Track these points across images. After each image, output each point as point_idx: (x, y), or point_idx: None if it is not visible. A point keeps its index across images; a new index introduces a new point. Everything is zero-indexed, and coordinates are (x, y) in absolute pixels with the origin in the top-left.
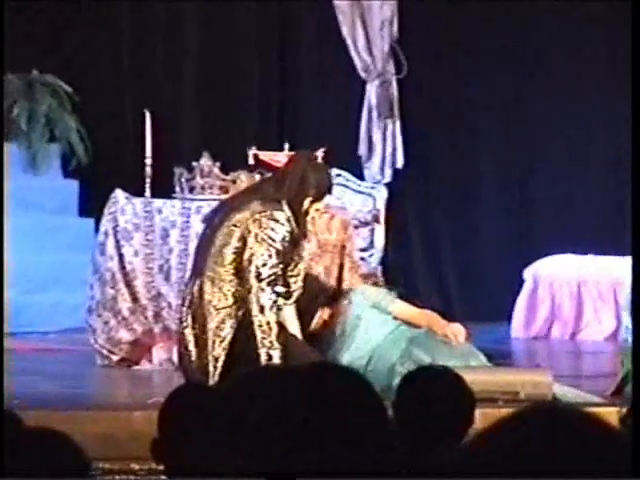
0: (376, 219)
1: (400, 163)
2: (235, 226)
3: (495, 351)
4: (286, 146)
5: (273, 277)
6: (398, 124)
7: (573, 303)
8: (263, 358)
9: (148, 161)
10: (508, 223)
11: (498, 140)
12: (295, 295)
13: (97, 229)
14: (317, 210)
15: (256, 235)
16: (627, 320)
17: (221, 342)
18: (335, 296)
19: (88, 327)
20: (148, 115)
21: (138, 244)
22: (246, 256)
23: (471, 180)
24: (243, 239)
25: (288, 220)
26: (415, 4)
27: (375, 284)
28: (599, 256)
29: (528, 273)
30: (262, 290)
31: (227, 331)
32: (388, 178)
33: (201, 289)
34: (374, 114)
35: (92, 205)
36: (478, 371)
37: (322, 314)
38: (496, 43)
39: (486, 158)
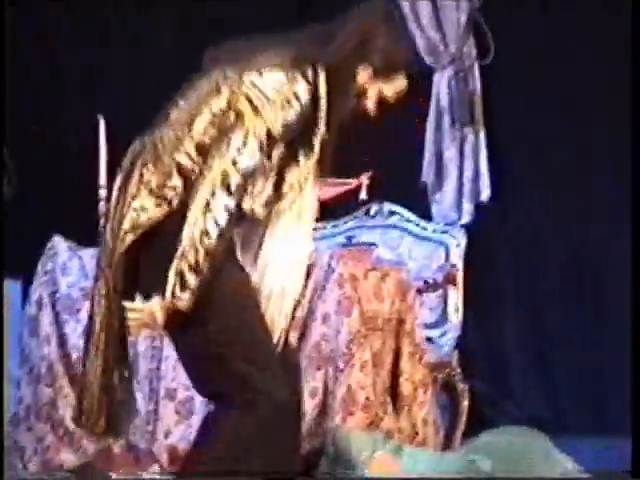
0: (450, 279)
1: (486, 194)
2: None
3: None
4: None
5: (242, 179)
6: (482, 135)
7: None
8: (170, 277)
9: (102, 192)
10: None
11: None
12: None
13: (26, 297)
14: (381, 97)
15: (247, 100)
16: None
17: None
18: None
19: (13, 445)
20: (102, 124)
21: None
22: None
23: (595, 219)
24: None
25: (311, 95)
26: None
27: (448, 380)
28: None
29: None
30: (213, 195)
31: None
32: (468, 217)
33: None
34: (445, 120)
35: (18, 260)
36: None
37: None
38: None
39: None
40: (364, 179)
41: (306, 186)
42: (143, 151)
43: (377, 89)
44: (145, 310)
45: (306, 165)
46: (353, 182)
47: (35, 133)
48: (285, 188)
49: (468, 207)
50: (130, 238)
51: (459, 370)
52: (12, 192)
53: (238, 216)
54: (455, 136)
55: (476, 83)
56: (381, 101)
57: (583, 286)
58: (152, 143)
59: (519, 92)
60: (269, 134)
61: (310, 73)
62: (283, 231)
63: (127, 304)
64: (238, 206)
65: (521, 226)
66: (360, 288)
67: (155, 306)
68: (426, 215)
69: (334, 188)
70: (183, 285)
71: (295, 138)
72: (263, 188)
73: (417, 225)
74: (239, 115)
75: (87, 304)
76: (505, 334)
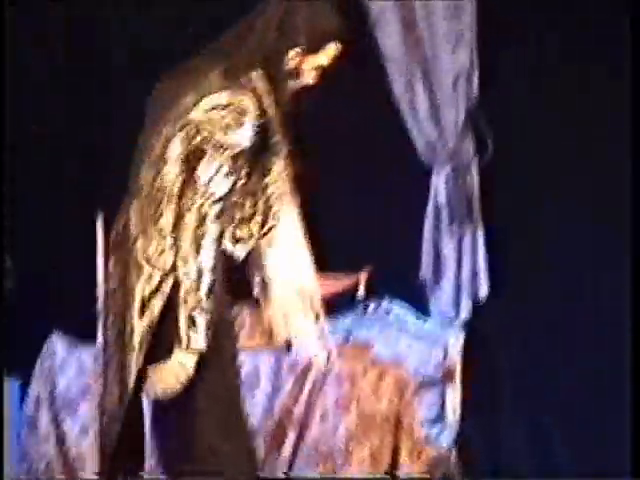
0: (449, 376)
1: (484, 291)
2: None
3: None
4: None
5: (221, 204)
6: (480, 232)
7: None
8: (182, 323)
9: (101, 288)
10: None
11: None
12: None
13: (24, 395)
14: (317, 69)
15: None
16: None
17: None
18: None
19: None
20: (100, 220)
21: (88, 417)
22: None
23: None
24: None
25: (257, 99)
26: (505, 45)
27: (447, 477)
28: None
29: None
30: (201, 225)
31: (157, 302)
32: (466, 314)
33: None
34: (444, 217)
35: (16, 358)
36: None
37: None
38: None
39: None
40: (362, 276)
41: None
42: (129, 225)
43: (312, 64)
44: (173, 364)
45: (280, 176)
46: (351, 279)
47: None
48: (270, 220)
49: (466, 304)
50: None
51: (458, 467)
52: (12, 282)
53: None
54: (453, 233)
55: (474, 181)
56: (320, 71)
57: (584, 382)
58: (136, 214)
59: (518, 189)
60: (234, 156)
61: (246, 80)
62: (280, 247)
63: (153, 368)
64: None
65: (519, 323)
66: (358, 386)
67: (179, 356)
68: (424, 311)
69: (332, 285)
70: (194, 327)
71: (259, 149)
72: (246, 216)
73: (415, 322)
74: (198, 150)
75: (85, 404)
76: (504, 431)
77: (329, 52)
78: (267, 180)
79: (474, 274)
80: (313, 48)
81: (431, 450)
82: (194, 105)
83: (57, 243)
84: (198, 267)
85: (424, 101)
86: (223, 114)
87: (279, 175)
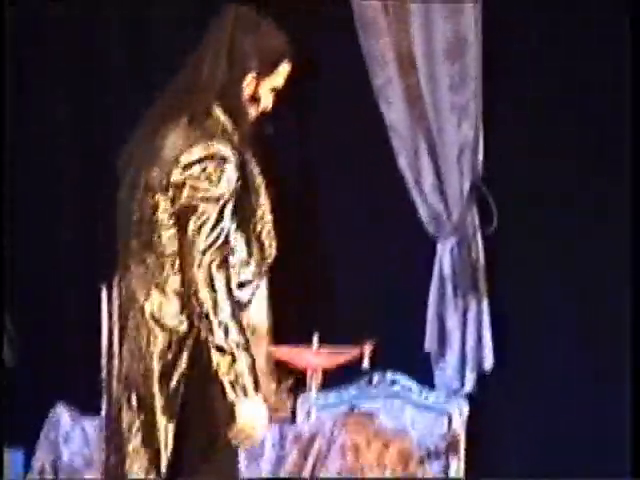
0: (453, 448)
1: (489, 364)
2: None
3: None
4: (315, 338)
5: (221, 253)
6: (486, 304)
7: None
8: (228, 390)
9: (104, 360)
10: None
11: None
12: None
13: (28, 464)
14: (273, 91)
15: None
16: None
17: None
18: None
19: None
20: (105, 293)
21: None
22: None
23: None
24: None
25: (227, 139)
26: (509, 116)
27: None
28: None
29: None
30: (210, 280)
31: (183, 360)
32: (470, 386)
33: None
34: (448, 289)
35: (20, 429)
36: None
37: None
38: None
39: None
40: (366, 348)
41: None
42: (133, 292)
43: (268, 86)
44: (247, 417)
45: (266, 211)
46: (356, 350)
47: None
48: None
49: (471, 376)
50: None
51: None
52: (14, 358)
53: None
54: (458, 305)
55: (479, 252)
56: (276, 92)
57: (590, 445)
58: (138, 280)
59: (522, 262)
60: (224, 204)
61: (213, 122)
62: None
63: (231, 432)
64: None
65: (524, 395)
66: (362, 457)
67: (248, 407)
68: (429, 383)
69: (337, 357)
70: (241, 378)
71: (242, 189)
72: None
73: (420, 394)
74: (187, 208)
75: (89, 473)
76: None
77: (282, 72)
78: (255, 219)
79: (479, 346)
80: (266, 70)
81: None
82: (173, 166)
83: (60, 312)
84: (220, 321)
85: (429, 173)
86: (204, 166)
87: (264, 210)
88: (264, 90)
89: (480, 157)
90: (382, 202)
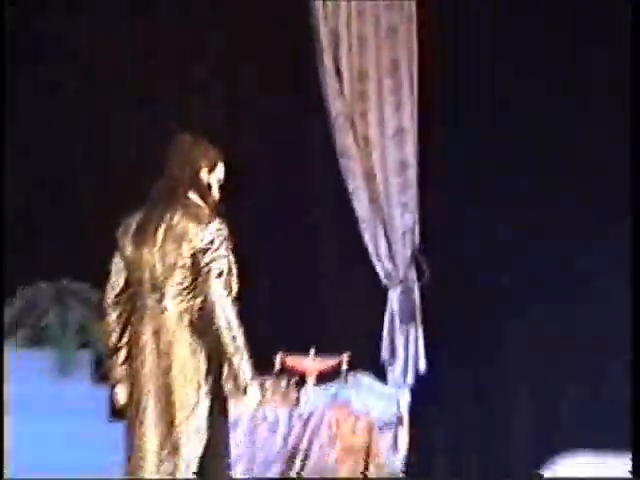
0: (400, 422)
1: (422, 367)
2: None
3: None
4: (312, 351)
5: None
6: (420, 329)
7: None
8: (240, 378)
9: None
10: (532, 422)
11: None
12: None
13: None
14: (219, 182)
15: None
16: None
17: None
18: None
19: None
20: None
21: None
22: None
23: (493, 382)
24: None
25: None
26: (437, 212)
27: None
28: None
29: (547, 474)
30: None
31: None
32: (410, 381)
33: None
34: (396, 320)
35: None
36: None
37: None
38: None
39: (511, 363)
40: (344, 357)
41: None
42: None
43: (215, 179)
44: (250, 396)
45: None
46: (337, 360)
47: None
48: None
49: (411, 376)
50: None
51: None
52: None
53: None
54: (402, 330)
55: (416, 296)
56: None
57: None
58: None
59: (445, 300)
60: (229, 259)
61: (191, 203)
62: None
63: (237, 402)
64: None
65: (446, 387)
66: (341, 428)
67: (251, 391)
68: (384, 380)
69: (325, 363)
70: (246, 372)
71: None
72: None
73: (378, 387)
74: (210, 262)
75: None
76: (436, 457)
77: (220, 169)
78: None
79: (416, 356)
80: (211, 167)
81: (388, 469)
82: (193, 237)
83: None
84: (233, 335)
85: (383, 246)
86: (220, 237)
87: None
88: (213, 181)
89: (417, 237)
90: (353, 265)
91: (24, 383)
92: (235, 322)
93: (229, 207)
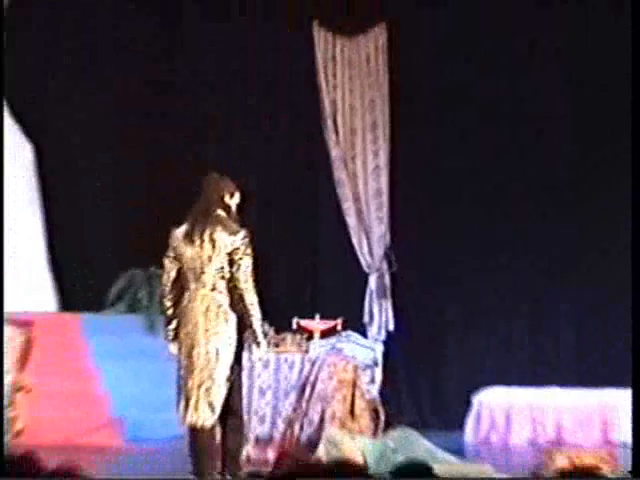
0: (375, 364)
1: (391, 327)
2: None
3: (454, 451)
4: (317, 316)
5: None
6: (389, 302)
7: (504, 422)
8: (259, 339)
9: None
10: (469, 359)
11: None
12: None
13: None
14: (237, 205)
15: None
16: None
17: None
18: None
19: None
20: None
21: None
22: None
23: (439, 335)
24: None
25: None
26: (401, 224)
27: (375, 408)
28: (530, 388)
29: (475, 399)
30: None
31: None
32: (383, 337)
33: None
34: (374, 296)
35: None
36: (446, 465)
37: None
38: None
39: (452, 323)
40: (339, 321)
41: None
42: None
43: (234, 202)
44: (261, 350)
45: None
46: (334, 323)
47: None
48: None
49: (384, 333)
50: None
51: (380, 402)
52: None
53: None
54: (377, 303)
55: (387, 279)
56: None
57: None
58: None
59: (410, 285)
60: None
61: (222, 217)
62: None
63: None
64: None
65: (407, 342)
66: (336, 368)
67: (262, 349)
68: (365, 336)
69: (326, 325)
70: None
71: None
72: None
73: (361, 340)
74: (241, 260)
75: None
76: (400, 386)
77: (237, 196)
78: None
79: (387, 320)
80: (231, 193)
81: (367, 395)
82: (229, 242)
83: None
84: (255, 314)
85: (366, 246)
86: (244, 241)
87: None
88: (233, 203)
89: (388, 240)
90: (345, 258)
91: (123, 337)
92: (255, 301)
93: (252, 219)
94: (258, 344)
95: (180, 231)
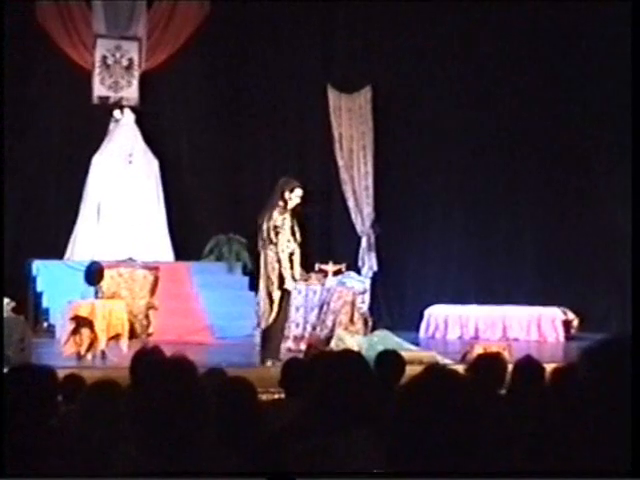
0: (365, 291)
1: (375, 268)
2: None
3: (413, 344)
4: (330, 262)
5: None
6: (374, 254)
7: (443, 326)
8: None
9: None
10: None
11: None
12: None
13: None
14: (297, 196)
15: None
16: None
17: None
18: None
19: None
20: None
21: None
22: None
23: (405, 273)
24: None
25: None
26: (383, 206)
27: (365, 318)
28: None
29: (425, 312)
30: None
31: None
32: (371, 274)
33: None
34: (365, 248)
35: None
36: (408, 352)
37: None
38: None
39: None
40: (344, 266)
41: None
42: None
43: (295, 196)
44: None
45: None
46: (340, 267)
47: None
48: None
49: (371, 272)
50: None
51: (369, 315)
52: (253, 266)
53: None
54: (367, 253)
55: (372, 239)
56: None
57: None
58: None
59: (389, 245)
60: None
61: (281, 208)
62: None
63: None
64: None
65: (387, 279)
66: (341, 293)
67: (289, 284)
68: (360, 274)
69: (336, 268)
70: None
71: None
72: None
73: (357, 277)
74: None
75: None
76: (381, 306)
77: (298, 192)
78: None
79: (372, 264)
80: (291, 189)
81: (362, 310)
82: (277, 223)
83: None
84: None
85: (359, 219)
86: (284, 221)
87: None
88: (294, 196)
89: (373, 215)
90: (347, 227)
91: (214, 275)
92: (286, 257)
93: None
94: (284, 282)
95: (262, 213)
